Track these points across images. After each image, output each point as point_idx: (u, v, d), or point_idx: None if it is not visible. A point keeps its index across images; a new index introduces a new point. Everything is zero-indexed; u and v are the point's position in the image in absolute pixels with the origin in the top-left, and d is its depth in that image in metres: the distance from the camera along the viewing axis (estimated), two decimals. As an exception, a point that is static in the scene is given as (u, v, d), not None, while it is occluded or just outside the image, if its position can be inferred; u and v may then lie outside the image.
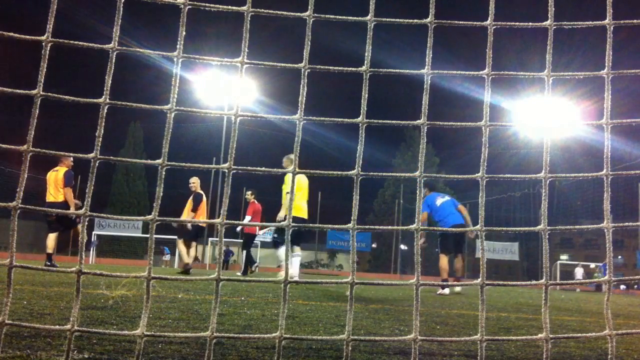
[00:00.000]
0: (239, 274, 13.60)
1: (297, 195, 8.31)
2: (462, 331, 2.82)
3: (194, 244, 11.59)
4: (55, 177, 9.46)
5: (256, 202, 12.84)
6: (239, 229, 14.22)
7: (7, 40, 1.18)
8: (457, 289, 7.98)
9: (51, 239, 9.33)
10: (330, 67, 1.17)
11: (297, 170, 1.17)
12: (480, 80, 1.23)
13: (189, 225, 12.65)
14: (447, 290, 7.61)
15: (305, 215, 8.31)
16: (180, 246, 8.05)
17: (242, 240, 14.17)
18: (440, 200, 8.98)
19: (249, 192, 13.11)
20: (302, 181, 8.41)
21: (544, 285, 1.21)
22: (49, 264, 8.79)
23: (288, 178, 8.00)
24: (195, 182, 10.49)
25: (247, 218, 12.60)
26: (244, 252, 13.64)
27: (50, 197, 9.40)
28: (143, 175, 46.79)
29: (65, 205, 9.05)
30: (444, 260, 8.45)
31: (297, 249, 8.48)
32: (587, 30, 1.28)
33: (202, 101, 32.80)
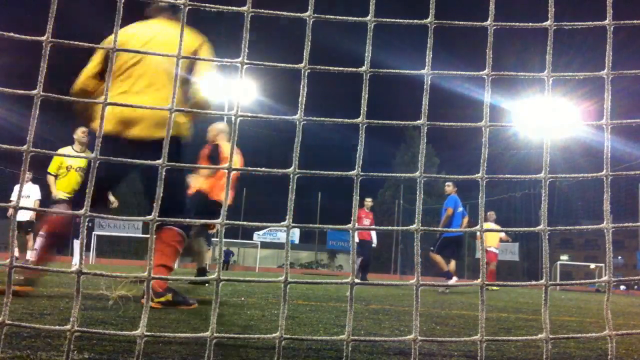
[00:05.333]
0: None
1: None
2: (462, 331, 2.82)
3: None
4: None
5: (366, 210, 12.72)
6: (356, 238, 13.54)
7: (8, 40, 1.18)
8: (447, 289, 8.57)
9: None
10: (331, 68, 1.17)
11: (297, 170, 1.17)
12: (480, 80, 1.23)
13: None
14: (454, 279, 8.60)
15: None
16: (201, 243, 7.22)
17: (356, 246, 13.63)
18: (459, 209, 9.56)
19: (369, 200, 13.02)
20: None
21: (544, 285, 1.21)
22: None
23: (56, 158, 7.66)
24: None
25: (366, 222, 12.32)
26: (359, 258, 12.80)
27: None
28: (143, 176, 46.66)
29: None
30: (438, 257, 9.41)
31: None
32: (587, 30, 1.28)
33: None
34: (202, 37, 3.41)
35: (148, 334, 1.13)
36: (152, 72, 3.25)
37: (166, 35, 3.32)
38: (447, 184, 10.10)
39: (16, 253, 1.24)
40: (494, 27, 1.21)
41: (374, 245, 13.59)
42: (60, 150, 7.82)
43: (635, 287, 28.01)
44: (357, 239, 13.53)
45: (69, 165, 7.94)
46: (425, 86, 1.19)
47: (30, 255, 7.98)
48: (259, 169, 1.17)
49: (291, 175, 1.15)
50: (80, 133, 7.87)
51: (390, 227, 1.38)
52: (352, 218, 1.18)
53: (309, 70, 1.15)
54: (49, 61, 1.14)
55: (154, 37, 3.31)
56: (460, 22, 1.21)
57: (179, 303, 3.06)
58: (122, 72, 3.24)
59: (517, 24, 1.23)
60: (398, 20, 1.20)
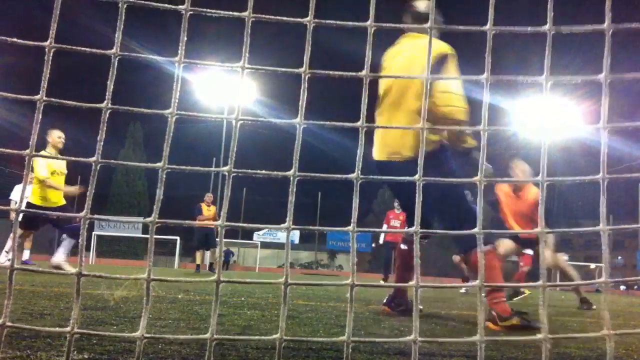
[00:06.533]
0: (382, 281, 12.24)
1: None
2: (462, 331, 2.83)
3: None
4: None
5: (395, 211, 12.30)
6: (381, 240, 13.03)
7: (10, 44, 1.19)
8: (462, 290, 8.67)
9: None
10: (331, 72, 1.18)
11: (297, 173, 1.17)
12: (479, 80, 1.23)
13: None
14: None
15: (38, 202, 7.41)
16: None
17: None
18: None
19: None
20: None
21: (542, 286, 1.21)
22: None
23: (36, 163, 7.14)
24: None
25: (396, 223, 12.00)
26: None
27: None
28: (143, 176, 46.72)
29: None
30: None
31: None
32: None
33: (202, 102, 32.71)
34: (449, 47, 2.97)
35: (148, 335, 1.13)
36: (397, 89, 3.13)
37: (409, 49, 3.07)
38: None
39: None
40: (493, 32, 1.22)
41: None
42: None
43: (635, 287, 28.03)
44: (381, 240, 13.08)
45: (55, 170, 7.40)
46: (425, 90, 1.20)
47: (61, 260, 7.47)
48: (259, 171, 1.18)
49: (291, 178, 1.16)
50: (56, 137, 7.58)
51: (390, 230, 1.38)
52: (352, 220, 1.19)
53: (309, 75, 1.16)
54: (56, 65, 1.14)
55: (399, 53, 3.15)
56: (460, 27, 1.22)
57: (525, 327, 3.05)
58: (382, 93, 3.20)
59: (517, 28, 1.24)
60: (398, 25, 1.20)
